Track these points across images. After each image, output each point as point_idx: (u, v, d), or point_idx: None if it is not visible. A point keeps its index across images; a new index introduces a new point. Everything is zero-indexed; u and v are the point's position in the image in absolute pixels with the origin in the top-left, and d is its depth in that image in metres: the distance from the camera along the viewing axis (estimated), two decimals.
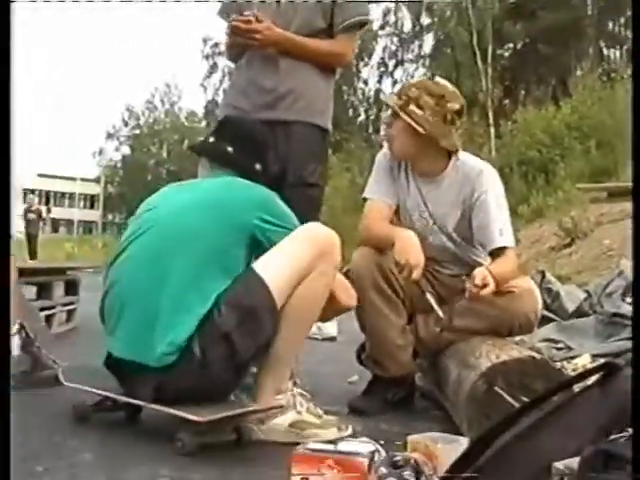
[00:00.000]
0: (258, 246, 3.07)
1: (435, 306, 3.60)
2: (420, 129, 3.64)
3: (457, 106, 3.71)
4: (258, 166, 3.31)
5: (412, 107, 3.67)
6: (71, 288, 6.87)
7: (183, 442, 2.77)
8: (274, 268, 3.02)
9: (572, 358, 5.13)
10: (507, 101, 27.76)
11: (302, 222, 3.45)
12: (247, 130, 3.40)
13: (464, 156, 3.85)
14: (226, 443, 2.96)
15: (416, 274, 3.51)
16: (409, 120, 3.67)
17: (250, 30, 3.79)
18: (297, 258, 3.05)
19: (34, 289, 6.19)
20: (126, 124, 68.70)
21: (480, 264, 3.76)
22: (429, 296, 3.64)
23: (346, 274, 3.65)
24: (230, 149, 3.28)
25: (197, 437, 2.79)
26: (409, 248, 3.54)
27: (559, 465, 1.61)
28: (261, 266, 3.02)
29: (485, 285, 3.46)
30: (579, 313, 6.26)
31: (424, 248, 3.61)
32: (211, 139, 3.39)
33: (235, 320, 2.90)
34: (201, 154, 3.47)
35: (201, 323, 2.89)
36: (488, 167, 3.89)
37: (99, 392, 3.10)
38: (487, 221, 3.72)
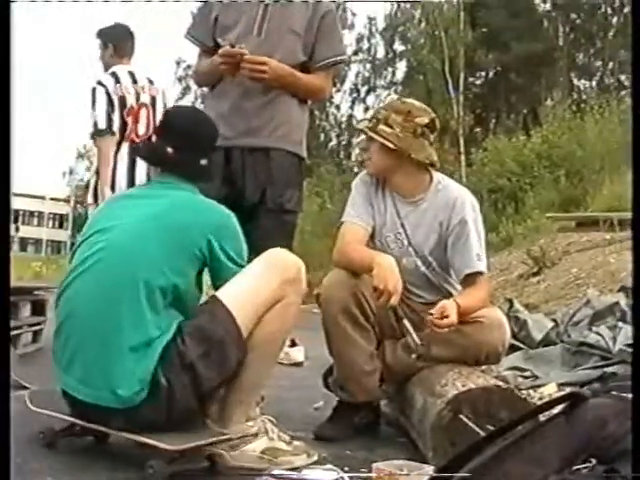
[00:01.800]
0: (204, 266, 3.05)
1: (413, 334, 3.55)
2: (390, 145, 3.73)
3: (426, 120, 3.79)
4: (204, 161, 3.23)
5: (381, 126, 3.77)
6: (38, 308, 6.79)
7: (154, 469, 2.74)
8: (239, 297, 3.00)
9: (538, 387, 5.13)
10: (478, 129, 27.91)
11: (277, 247, 3.45)
12: (188, 124, 3.27)
13: (445, 180, 3.92)
14: (198, 470, 2.94)
15: (394, 300, 3.50)
16: (379, 138, 3.77)
17: (254, 64, 3.79)
18: (263, 287, 3.03)
19: None
20: None
21: (450, 293, 3.81)
22: (406, 322, 3.59)
23: (316, 297, 3.70)
24: (170, 150, 3.17)
25: (169, 465, 2.77)
26: (389, 274, 3.52)
27: None
28: (226, 295, 2.99)
29: (445, 317, 3.47)
30: (546, 342, 6.27)
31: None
32: (153, 138, 3.33)
33: (200, 350, 2.88)
34: (143, 158, 3.41)
35: (163, 353, 2.86)
36: (468, 193, 3.94)
37: (67, 418, 3.06)
38: (465, 246, 3.74)
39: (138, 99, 6.11)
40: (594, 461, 1.67)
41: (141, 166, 5.82)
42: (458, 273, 3.80)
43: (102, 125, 5.91)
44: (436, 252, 3.85)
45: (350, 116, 43.10)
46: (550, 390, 4.97)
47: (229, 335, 2.93)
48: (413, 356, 3.60)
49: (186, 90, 46.19)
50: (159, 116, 5.91)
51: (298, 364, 6.61)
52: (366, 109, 42.46)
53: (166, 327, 2.90)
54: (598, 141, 17.89)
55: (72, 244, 6.82)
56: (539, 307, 9.11)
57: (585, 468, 1.66)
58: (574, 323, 6.33)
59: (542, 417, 2.03)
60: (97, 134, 5.96)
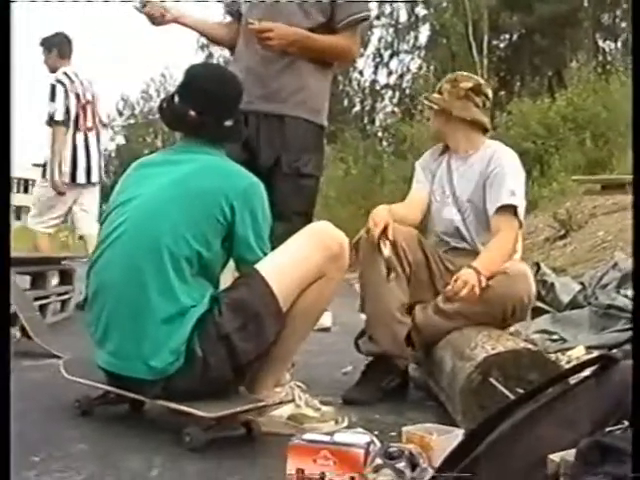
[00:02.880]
0: (230, 235, 2.98)
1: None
2: (435, 106, 4.14)
3: (470, 84, 4.12)
4: (229, 122, 3.15)
5: (434, 95, 4.21)
6: (66, 278, 6.84)
7: (191, 436, 2.75)
8: (280, 271, 2.96)
9: (566, 350, 5.12)
10: (502, 92, 27.70)
11: (296, 212, 3.43)
12: (210, 84, 3.16)
13: (494, 141, 4.26)
14: (234, 437, 2.94)
15: (378, 230, 3.76)
16: (427, 102, 4.24)
17: (262, 32, 3.77)
18: (305, 262, 3.01)
19: (28, 279, 6.17)
20: (121, 114, 68.45)
21: (475, 252, 3.91)
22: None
23: (355, 244, 3.81)
24: (192, 112, 3.08)
25: (205, 432, 2.78)
26: (374, 213, 3.84)
27: (555, 457, 1.61)
28: (266, 268, 2.95)
29: (465, 284, 3.59)
30: (573, 305, 6.24)
31: (437, 221, 4.18)
32: (175, 100, 3.15)
33: (237, 322, 2.86)
34: (166, 123, 3.32)
35: (199, 324, 2.84)
36: (510, 149, 4.24)
37: (103, 387, 3.08)
38: (501, 184, 3.92)
39: (85, 95, 7.48)
40: (626, 423, 1.67)
41: (95, 150, 7.49)
42: (491, 209, 3.92)
43: (60, 117, 7.26)
44: (474, 199, 4.04)
45: (373, 81, 42.96)
46: (578, 353, 4.96)
47: (267, 309, 2.91)
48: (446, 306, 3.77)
49: (209, 58, 46.10)
50: (100, 111, 7.85)
51: (326, 329, 6.61)
52: (389, 74, 42.33)
53: (199, 297, 2.89)
54: (623, 103, 17.73)
55: (100, 214, 6.91)
56: (566, 270, 9.06)
57: (618, 430, 1.66)
58: (602, 286, 6.29)
59: (572, 380, 2.02)
60: (55, 124, 7.27)
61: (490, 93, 4.21)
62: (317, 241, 3.06)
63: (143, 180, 3.10)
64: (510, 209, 3.86)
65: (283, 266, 2.98)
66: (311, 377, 3.70)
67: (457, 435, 2.51)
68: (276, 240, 3.10)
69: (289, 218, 3.63)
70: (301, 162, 3.90)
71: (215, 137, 3.15)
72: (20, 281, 5.63)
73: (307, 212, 3.81)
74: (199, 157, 3.07)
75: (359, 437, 1.92)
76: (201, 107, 3.09)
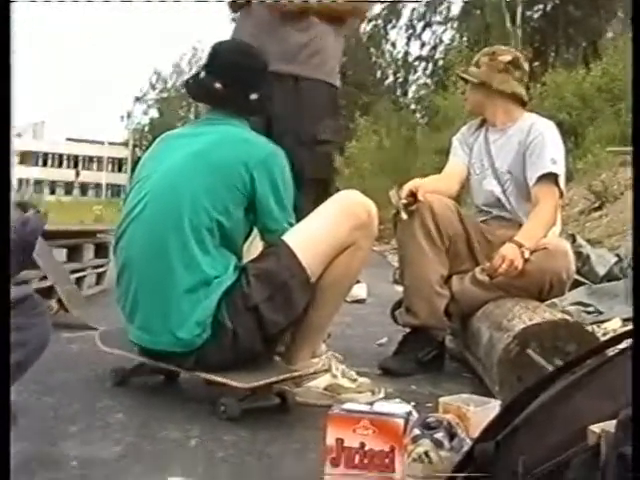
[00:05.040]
0: (253, 205, 2.95)
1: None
2: (474, 80, 4.15)
3: (508, 57, 4.12)
4: (254, 96, 3.12)
5: (471, 68, 4.22)
6: (101, 251, 6.89)
7: (226, 407, 2.77)
8: (307, 241, 2.95)
9: (602, 322, 5.10)
10: (537, 63, 27.49)
11: (314, 179, 3.39)
12: (236, 58, 3.17)
13: (533, 114, 4.23)
14: (269, 408, 2.94)
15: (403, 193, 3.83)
16: (466, 76, 4.25)
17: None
18: (333, 232, 2.98)
19: (64, 252, 6.22)
20: (154, 88, 68.73)
21: (519, 224, 3.92)
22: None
23: (393, 216, 3.91)
24: (218, 85, 3.08)
25: (240, 402, 2.79)
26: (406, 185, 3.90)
27: (596, 428, 1.60)
28: (294, 238, 2.94)
29: (504, 260, 3.62)
30: (609, 277, 6.21)
31: (477, 193, 4.20)
32: (201, 74, 3.16)
33: (265, 293, 2.85)
34: (192, 96, 3.32)
35: (226, 295, 2.85)
36: (549, 121, 4.23)
37: (138, 358, 3.10)
38: (541, 153, 3.92)
39: None
40: None
41: None
42: (532, 178, 3.91)
43: None
44: (514, 170, 4.04)
45: (406, 53, 42.75)
46: (614, 325, 4.93)
47: (295, 279, 2.89)
48: (486, 278, 3.78)
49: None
50: None
51: (360, 301, 6.62)
52: (422, 45, 42.07)
53: (222, 268, 2.88)
54: None
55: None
56: (602, 242, 9.02)
57: None
58: None
59: (611, 351, 2.01)
60: None
61: (527, 66, 4.21)
62: (345, 210, 3.04)
63: (166, 153, 3.11)
64: (551, 177, 3.85)
65: (311, 236, 2.97)
66: (346, 348, 3.71)
67: (494, 406, 2.50)
68: (295, 209, 3.06)
69: (308, 186, 3.51)
70: (318, 128, 3.79)
71: (240, 110, 3.13)
72: (56, 254, 5.67)
73: (326, 179, 3.75)
74: (221, 128, 3.07)
75: (398, 407, 1.92)
76: (227, 80, 3.09)
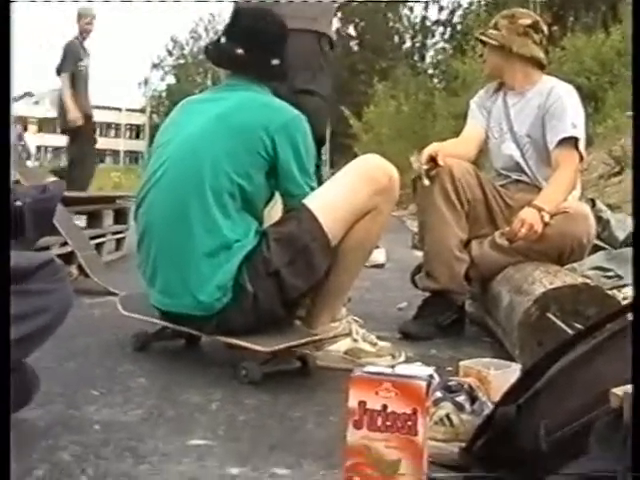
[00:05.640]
0: (274, 169, 2.95)
1: None
2: (494, 42, 4.10)
3: (528, 21, 4.10)
4: (275, 61, 3.11)
5: (490, 31, 4.17)
6: (120, 217, 6.92)
7: (248, 371, 2.78)
8: (328, 206, 2.94)
9: (622, 287, 5.07)
10: (556, 28, 27.27)
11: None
12: (258, 23, 3.14)
13: (552, 77, 4.22)
14: (290, 371, 2.96)
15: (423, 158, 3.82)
16: (484, 38, 4.20)
17: None
18: (354, 196, 2.97)
19: (84, 218, 6.25)
20: (170, 54, 68.51)
21: (538, 188, 3.93)
22: None
23: (413, 181, 3.90)
24: (240, 51, 3.07)
25: (262, 366, 2.81)
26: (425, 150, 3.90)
27: (618, 390, 1.60)
28: (315, 203, 2.93)
29: (524, 224, 3.63)
30: (629, 241, 6.18)
31: (496, 157, 4.19)
32: (222, 40, 3.16)
33: (286, 257, 2.85)
34: (213, 61, 3.27)
35: (247, 259, 2.85)
36: (569, 85, 4.19)
37: (158, 322, 3.12)
38: (561, 117, 3.90)
39: None
40: None
41: None
42: (552, 142, 3.89)
43: None
44: (533, 133, 4.02)
45: (424, 17, 42.43)
46: None
47: (316, 243, 2.89)
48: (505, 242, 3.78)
49: None
50: None
51: (379, 266, 6.62)
52: (440, 9, 41.78)
53: (243, 232, 2.89)
54: None
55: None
56: (621, 207, 8.96)
57: None
58: None
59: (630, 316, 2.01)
60: None
61: (546, 30, 4.19)
62: (366, 174, 3.03)
63: (187, 118, 3.11)
64: (571, 141, 3.83)
65: (332, 200, 2.96)
66: (366, 313, 3.71)
67: (514, 370, 2.50)
68: None
69: None
70: (300, 79, 3.82)
71: (262, 75, 3.12)
72: (77, 220, 5.70)
73: (317, 134, 3.68)
74: (242, 94, 3.06)
75: (420, 370, 1.92)
76: (249, 45, 3.08)
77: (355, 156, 3.30)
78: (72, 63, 9.82)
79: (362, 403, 1.72)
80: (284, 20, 3.22)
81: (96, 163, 10.39)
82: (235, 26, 3.16)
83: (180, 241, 2.87)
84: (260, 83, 3.11)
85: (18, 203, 2.23)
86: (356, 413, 1.73)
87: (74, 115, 9.70)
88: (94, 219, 6.30)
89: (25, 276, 1.98)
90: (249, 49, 3.07)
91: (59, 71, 9.89)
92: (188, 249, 2.86)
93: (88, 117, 10.06)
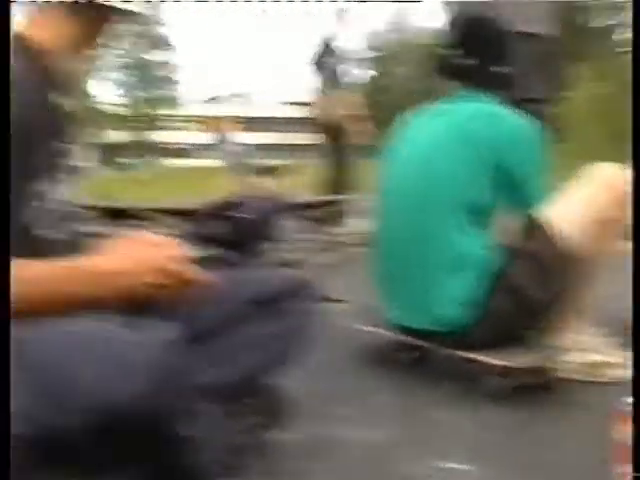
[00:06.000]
0: (505, 180, 2.89)
1: None
2: None
3: None
4: (505, 70, 3.09)
5: None
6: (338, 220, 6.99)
7: (491, 386, 2.75)
8: (569, 216, 2.85)
9: None
10: None
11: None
12: (491, 34, 3.13)
13: None
14: (534, 385, 2.89)
15: None
16: None
17: None
18: (593, 206, 2.87)
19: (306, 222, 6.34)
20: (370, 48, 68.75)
21: None
22: None
23: None
24: (473, 61, 3.05)
25: (505, 381, 2.77)
26: None
27: None
28: (555, 214, 2.86)
29: None
30: None
31: None
32: (451, 52, 3.13)
33: (528, 272, 2.81)
34: (443, 74, 3.20)
35: (488, 275, 2.82)
36: None
37: (395, 336, 3.11)
38: None
39: None
40: None
41: None
42: None
43: None
44: None
45: None
46: None
47: (557, 256, 2.82)
48: None
49: None
50: None
51: None
52: None
53: (478, 247, 2.86)
54: None
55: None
56: None
57: None
58: None
59: None
60: None
61: None
62: (605, 183, 2.92)
63: (419, 129, 3.10)
64: None
65: (571, 211, 2.88)
66: (609, 323, 3.58)
67: None
68: None
69: None
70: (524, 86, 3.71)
71: (493, 84, 3.09)
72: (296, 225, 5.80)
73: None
74: (472, 105, 3.03)
75: None
76: (482, 56, 3.06)
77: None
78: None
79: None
80: (511, 29, 3.20)
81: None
82: (470, 37, 3.14)
83: (418, 256, 2.88)
84: (489, 92, 3.08)
85: (244, 215, 2.29)
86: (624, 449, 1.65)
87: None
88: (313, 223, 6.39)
89: (282, 296, 2.00)
90: (483, 59, 3.06)
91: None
92: (426, 264, 2.86)
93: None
